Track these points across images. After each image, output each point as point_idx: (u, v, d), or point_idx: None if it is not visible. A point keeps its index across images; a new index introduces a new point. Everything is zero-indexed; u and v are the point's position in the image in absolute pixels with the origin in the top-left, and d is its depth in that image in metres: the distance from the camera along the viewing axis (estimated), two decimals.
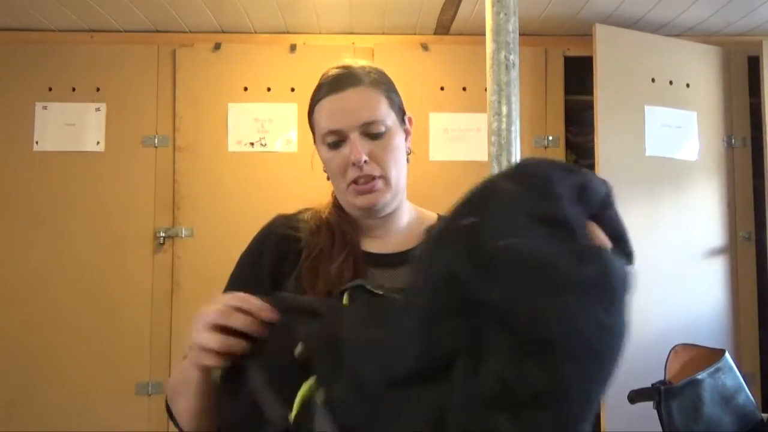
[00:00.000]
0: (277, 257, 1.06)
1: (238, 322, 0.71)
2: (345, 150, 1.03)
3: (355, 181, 1.03)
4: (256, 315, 0.72)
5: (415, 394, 0.51)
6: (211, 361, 0.73)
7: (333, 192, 1.13)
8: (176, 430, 0.88)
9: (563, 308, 0.52)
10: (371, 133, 1.02)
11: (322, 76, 1.07)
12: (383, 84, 1.06)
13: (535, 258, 0.54)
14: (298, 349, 0.65)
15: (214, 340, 0.72)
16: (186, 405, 0.84)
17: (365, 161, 1.01)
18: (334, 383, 0.56)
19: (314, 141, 1.10)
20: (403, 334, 0.54)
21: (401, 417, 0.50)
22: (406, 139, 1.11)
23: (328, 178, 1.10)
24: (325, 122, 1.04)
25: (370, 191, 1.04)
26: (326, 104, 1.04)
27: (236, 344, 0.71)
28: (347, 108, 1.02)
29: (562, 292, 0.53)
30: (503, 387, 0.51)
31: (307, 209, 1.13)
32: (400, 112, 1.09)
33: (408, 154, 1.12)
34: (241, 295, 0.75)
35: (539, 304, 0.52)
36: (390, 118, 1.05)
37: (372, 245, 1.10)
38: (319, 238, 1.06)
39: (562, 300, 0.53)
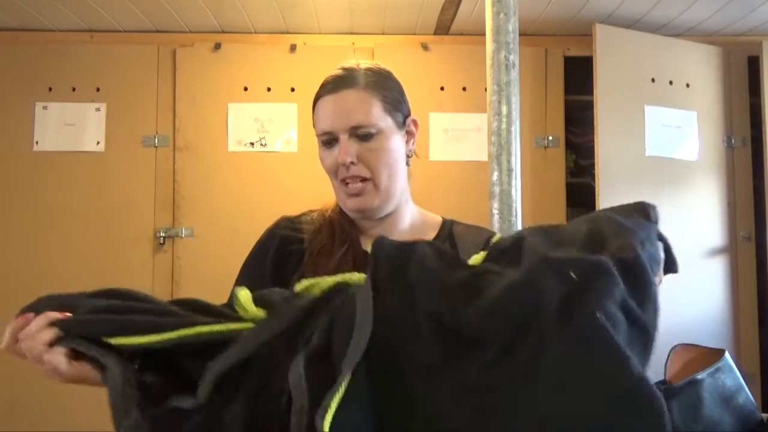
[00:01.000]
0: (279, 258, 1.08)
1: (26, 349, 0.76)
2: (336, 150, 1.04)
3: (344, 182, 1.05)
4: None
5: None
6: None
7: None
8: None
9: None
10: (360, 135, 1.03)
11: (326, 77, 1.09)
12: (381, 87, 1.07)
13: None
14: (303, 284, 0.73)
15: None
16: None
17: (352, 162, 1.03)
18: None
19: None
20: None
21: None
22: (408, 141, 1.11)
23: None
24: (319, 122, 1.06)
25: (359, 194, 1.05)
26: (322, 104, 1.06)
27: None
28: (339, 109, 1.04)
29: None
30: None
31: (311, 211, 1.15)
32: (401, 115, 1.09)
33: (409, 156, 1.13)
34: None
35: None
36: (384, 121, 1.05)
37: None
38: (321, 235, 1.08)
39: None
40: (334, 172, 1.06)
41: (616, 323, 0.60)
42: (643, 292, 0.64)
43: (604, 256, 0.64)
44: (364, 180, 1.04)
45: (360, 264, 1.04)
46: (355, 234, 1.10)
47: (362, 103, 1.04)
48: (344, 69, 1.07)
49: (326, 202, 1.15)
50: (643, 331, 0.63)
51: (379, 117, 1.05)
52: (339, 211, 1.12)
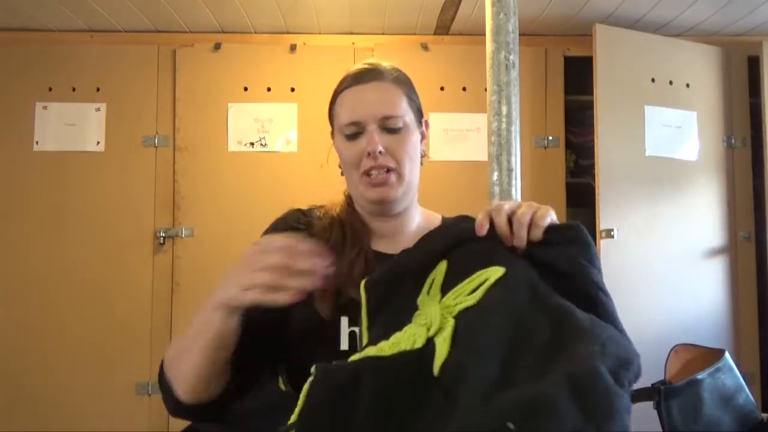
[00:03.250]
0: None
1: (305, 264, 0.76)
2: (362, 141, 1.04)
3: (367, 173, 1.04)
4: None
5: None
6: (254, 296, 0.77)
7: (345, 191, 1.14)
8: (176, 427, 0.87)
9: None
10: (389, 127, 1.04)
11: (347, 71, 1.09)
12: (405, 83, 1.09)
13: None
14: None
15: (266, 277, 0.76)
16: (194, 358, 0.85)
17: (380, 152, 1.02)
18: None
19: (332, 134, 1.11)
20: None
21: None
22: (421, 141, 1.12)
23: (342, 174, 1.11)
24: (345, 113, 1.05)
25: (383, 184, 1.04)
26: (348, 95, 1.06)
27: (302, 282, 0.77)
28: (368, 100, 1.04)
29: None
30: None
31: (321, 206, 1.13)
32: (419, 114, 1.11)
33: (422, 156, 1.13)
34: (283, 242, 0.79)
35: None
36: (408, 116, 1.07)
37: (381, 245, 1.09)
38: (331, 234, 1.06)
39: None
40: (356, 164, 1.05)
41: None
42: (601, 407, 0.59)
43: (557, 373, 0.60)
44: (388, 171, 1.04)
45: (371, 265, 1.02)
46: (366, 235, 1.08)
47: (391, 95, 1.05)
48: (369, 64, 1.08)
49: (331, 200, 1.14)
50: None
51: (405, 111, 1.06)
52: (348, 211, 1.11)
